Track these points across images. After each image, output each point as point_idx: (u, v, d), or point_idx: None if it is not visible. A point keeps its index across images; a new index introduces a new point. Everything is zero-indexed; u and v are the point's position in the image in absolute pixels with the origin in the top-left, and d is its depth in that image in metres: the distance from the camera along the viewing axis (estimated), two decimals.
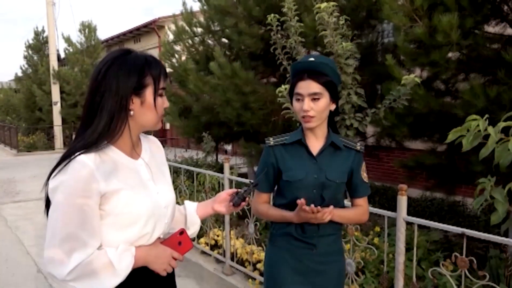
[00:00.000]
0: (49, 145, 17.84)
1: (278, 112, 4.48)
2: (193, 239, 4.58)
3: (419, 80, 3.42)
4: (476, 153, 2.15)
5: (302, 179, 1.84)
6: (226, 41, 6.92)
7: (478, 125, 2.13)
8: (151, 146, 1.60)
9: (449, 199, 5.81)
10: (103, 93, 1.36)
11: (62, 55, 19.04)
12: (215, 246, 4.60)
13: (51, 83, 17.58)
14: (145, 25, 19.27)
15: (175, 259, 1.47)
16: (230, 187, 4.07)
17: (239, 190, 1.71)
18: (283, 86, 3.73)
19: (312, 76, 1.78)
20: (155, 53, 15.01)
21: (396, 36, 3.94)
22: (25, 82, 20.96)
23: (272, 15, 4.05)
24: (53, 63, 17.66)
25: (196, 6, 7.55)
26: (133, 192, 1.38)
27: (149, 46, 19.26)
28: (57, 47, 18.18)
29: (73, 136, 1.52)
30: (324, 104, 1.80)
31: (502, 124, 2.10)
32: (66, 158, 1.32)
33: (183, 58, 7.65)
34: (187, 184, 5.43)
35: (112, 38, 21.90)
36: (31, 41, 20.68)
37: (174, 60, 7.72)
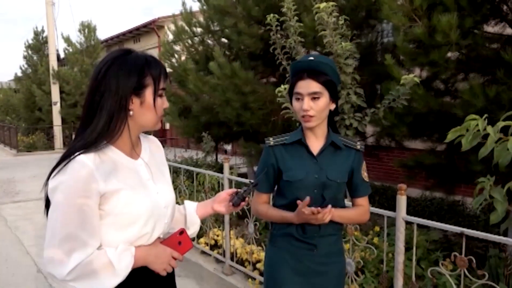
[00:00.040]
0: (49, 145, 17.84)
1: (277, 112, 4.48)
2: (193, 239, 4.58)
3: (418, 80, 3.42)
4: (476, 152, 2.15)
5: (303, 179, 1.83)
6: (226, 41, 6.92)
7: (477, 125, 2.13)
8: (151, 146, 1.60)
9: (448, 198, 5.81)
10: (103, 92, 1.36)
11: (62, 55, 19.05)
12: (215, 246, 4.60)
13: (51, 83, 17.58)
14: (145, 25, 19.27)
15: (175, 259, 1.47)
16: (230, 187, 4.07)
17: (239, 190, 1.71)
18: (282, 86, 3.73)
19: (311, 76, 1.78)
20: (154, 53, 15.00)
21: (395, 36, 3.94)
22: (25, 82, 20.96)
23: (272, 15, 4.06)
24: (53, 63, 17.66)
25: (195, 6, 7.57)
26: (132, 192, 1.38)
27: (149, 46, 19.26)
28: (57, 47, 18.22)
29: (73, 136, 1.52)
30: (324, 103, 1.80)
31: (501, 124, 2.10)
32: (66, 158, 1.33)
33: (183, 58, 7.65)
34: (186, 184, 5.43)
35: (111, 38, 21.89)
36: (30, 41, 20.69)
37: (173, 60, 7.72)
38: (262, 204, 1.99)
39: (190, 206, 1.75)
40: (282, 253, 1.92)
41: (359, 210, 1.95)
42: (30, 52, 20.86)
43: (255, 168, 4.87)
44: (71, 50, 17.65)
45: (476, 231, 2.30)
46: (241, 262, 4.15)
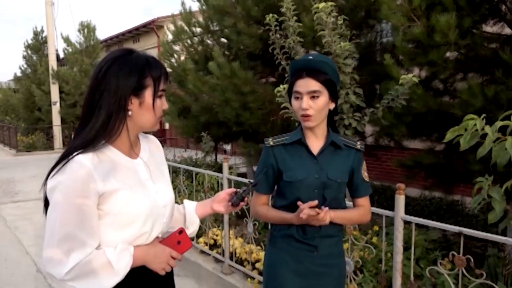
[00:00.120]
0: (48, 145, 17.83)
1: (277, 112, 4.49)
2: (192, 239, 4.58)
3: (417, 79, 3.43)
4: (474, 152, 2.15)
5: (303, 179, 1.82)
6: (225, 41, 6.92)
7: (475, 125, 2.14)
8: (150, 146, 1.60)
9: (447, 198, 5.82)
10: (103, 92, 1.36)
11: (61, 55, 19.04)
12: (214, 245, 4.61)
13: (50, 83, 17.58)
14: (144, 25, 19.27)
15: (174, 258, 1.47)
16: (229, 187, 4.08)
17: (238, 190, 1.71)
18: (281, 86, 3.74)
19: (311, 74, 1.77)
20: (154, 53, 15.01)
21: (394, 35, 3.95)
22: (24, 82, 20.94)
23: (271, 15, 4.07)
24: (52, 63, 17.66)
25: (195, 6, 7.58)
26: (131, 192, 1.39)
27: (148, 46, 19.26)
28: (56, 47, 18.21)
29: (73, 136, 1.52)
30: (323, 102, 1.79)
31: (499, 124, 2.11)
32: (64, 158, 1.33)
33: (182, 58, 7.64)
34: (186, 184, 5.43)
35: (111, 38, 21.89)
36: (30, 41, 20.67)
37: (173, 60, 7.72)
38: (262, 206, 1.98)
39: (189, 205, 1.75)
40: (282, 254, 1.91)
41: (360, 211, 1.94)
42: (29, 52, 20.84)
43: (255, 168, 4.87)
44: (70, 50, 17.64)
45: (474, 231, 2.31)
46: (240, 261, 4.15)
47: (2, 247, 5.49)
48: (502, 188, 2.21)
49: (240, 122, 5.87)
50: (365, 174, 1.94)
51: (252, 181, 1.77)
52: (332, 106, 1.86)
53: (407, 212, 2.63)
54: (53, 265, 1.29)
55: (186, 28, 7.55)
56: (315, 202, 1.70)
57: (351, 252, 3.06)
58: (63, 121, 17.85)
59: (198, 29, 7.44)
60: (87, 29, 17.61)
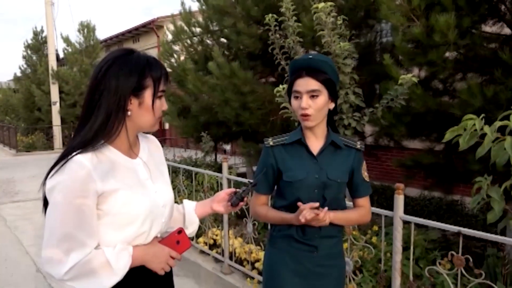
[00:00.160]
0: (48, 145, 17.84)
1: (276, 111, 4.49)
2: (192, 239, 4.59)
3: (416, 79, 3.43)
4: (473, 152, 2.15)
5: (303, 179, 1.82)
6: (225, 41, 6.92)
7: (474, 125, 2.14)
8: (150, 146, 1.60)
9: (447, 198, 5.82)
10: (102, 91, 1.36)
11: (61, 55, 19.04)
12: (213, 245, 4.61)
13: (50, 83, 17.58)
14: (144, 25, 19.26)
15: (173, 258, 1.47)
16: (229, 187, 4.08)
17: (238, 190, 1.71)
18: (281, 86, 3.74)
19: (310, 74, 1.76)
20: (154, 53, 15.00)
21: (394, 35, 3.95)
22: (24, 82, 20.94)
23: (270, 15, 4.07)
24: (52, 63, 17.66)
25: (194, 6, 7.59)
26: (130, 192, 1.39)
27: (148, 46, 19.25)
28: (56, 47, 18.21)
29: (72, 136, 1.51)
30: (323, 101, 1.78)
31: (498, 123, 2.11)
32: (63, 158, 1.33)
33: (182, 58, 7.65)
34: (185, 183, 5.44)
35: (111, 38, 21.89)
36: (30, 41, 20.67)
37: (172, 60, 7.72)
38: (261, 206, 1.97)
39: (189, 205, 1.75)
40: (282, 254, 1.90)
41: (360, 211, 1.93)
42: (29, 52, 20.84)
43: (254, 168, 4.87)
44: (70, 50, 17.65)
45: (473, 230, 2.31)
46: (240, 261, 4.15)
47: (2, 247, 5.49)
48: (501, 188, 2.22)
49: (239, 122, 5.87)
50: (365, 174, 1.93)
51: (251, 181, 1.77)
52: (331, 106, 1.85)
53: (406, 212, 2.63)
54: (52, 265, 1.29)
55: (185, 28, 7.55)
56: (317, 204, 1.70)
57: (350, 252, 3.06)
58: (63, 121, 17.86)
59: (198, 29, 7.44)
60: (87, 29, 17.61)
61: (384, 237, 2.88)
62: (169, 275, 1.56)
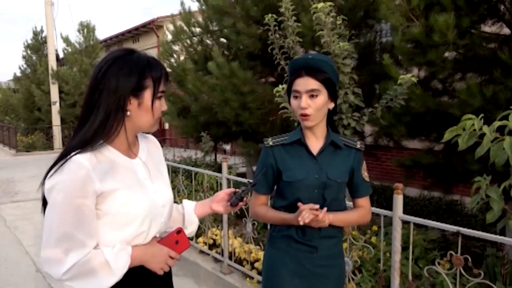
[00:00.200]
0: (48, 145, 17.83)
1: (276, 111, 4.49)
2: (191, 238, 4.59)
3: (416, 79, 3.43)
4: (472, 152, 2.15)
5: (303, 179, 1.81)
6: (225, 41, 6.92)
7: (473, 124, 2.14)
8: (149, 146, 1.60)
9: (446, 198, 5.83)
10: (102, 91, 1.36)
11: (61, 55, 19.04)
12: (213, 245, 4.61)
13: (50, 83, 17.58)
14: (144, 25, 19.26)
15: (172, 258, 1.47)
16: (228, 187, 4.08)
17: (237, 190, 1.71)
18: (280, 86, 3.74)
19: (310, 73, 1.76)
20: (153, 53, 15.00)
21: (393, 35, 3.95)
22: (24, 82, 20.94)
23: (270, 15, 4.07)
24: (52, 63, 17.66)
25: (194, 6, 7.59)
26: (130, 192, 1.39)
27: (148, 46, 19.25)
28: (56, 47, 18.21)
29: (71, 135, 1.50)
30: (322, 101, 1.77)
31: (497, 123, 2.11)
32: (62, 157, 1.33)
33: (182, 58, 7.65)
34: (185, 183, 5.44)
35: (110, 38, 21.89)
36: (29, 41, 20.67)
37: (172, 60, 7.73)
38: (261, 206, 1.96)
39: (188, 205, 1.75)
40: (282, 255, 1.90)
41: (359, 212, 1.92)
42: (29, 52, 20.84)
43: (254, 168, 4.88)
44: (70, 50, 17.65)
45: (472, 230, 2.31)
46: (239, 261, 4.16)
47: (2, 247, 5.49)
48: (500, 187, 2.22)
49: (239, 122, 5.87)
50: (365, 174, 1.93)
51: (251, 181, 1.77)
52: (331, 105, 1.84)
53: (406, 212, 2.63)
54: (51, 265, 1.29)
55: (185, 28, 7.55)
56: (317, 206, 1.70)
57: (349, 252, 3.07)
58: (62, 121, 17.86)
59: (198, 29, 7.45)
60: (86, 29, 17.61)
61: (383, 237, 2.88)
62: (168, 275, 1.56)
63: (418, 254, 3.65)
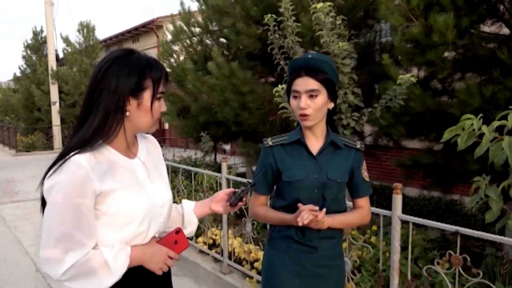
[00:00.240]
0: (48, 145, 17.83)
1: (275, 111, 4.49)
2: (191, 238, 4.60)
3: (415, 79, 3.44)
4: (472, 152, 2.15)
5: (303, 179, 1.80)
6: (224, 41, 6.92)
7: (472, 124, 2.15)
8: (148, 146, 1.60)
9: (446, 197, 5.83)
10: (101, 91, 1.35)
11: (61, 55, 19.04)
12: (213, 245, 4.62)
13: (50, 83, 17.58)
14: (144, 25, 19.26)
15: (171, 258, 1.47)
16: (228, 187, 4.08)
17: (236, 190, 1.71)
18: (280, 86, 3.74)
19: (309, 73, 1.75)
20: (153, 53, 15.01)
21: (393, 35, 3.96)
22: (24, 82, 20.95)
23: (269, 15, 4.07)
24: (52, 63, 17.66)
25: (194, 6, 7.59)
26: (129, 192, 1.39)
27: (148, 46, 19.26)
28: (56, 47, 18.21)
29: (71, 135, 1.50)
30: (322, 101, 1.76)
31: (496, 123, 2.11)
32: (61, 158, 1.33)
33: (181, 58, 7.65)
34: (185, 183, 5.44)
35: (110, 38, 21.89)
36: (29, 41, 20.66)
37: (172, 60, 7.73)
38: (260, 206, 1.96)
39: (188, 205, 1.75)
40: (281, 255, 1.89)
41: (359, 213, 1.91)
42: (29, 52, 20.84)
43: (254, 168, 4.88)
44: (70, 50, 17.65)
45: (470, 230, 2.32)
46: (239, 261, 4.16)
47: (1, 247, 5.50)
48: (499, 187, 2.22)
49: (239, 122, 5.88)
50: (365, 174, 1.92)
51: (250, 181, 1.77)
52: (331, 105, 1.83)
53: (406, 211, 2.63)
54: (50, 265, 1.29)
55: (185, 28, 7.56)
56: (317, 207, 1.69)
57: (349, 252, 3.07)
58: (62, 121, 17.86)
59: (197, 29, 7.45)
60: (86, 29, 17.61)
61: (383, 237, 2.89)
62: (167, 275, 1.56)
63: (417, 253, 3.66)
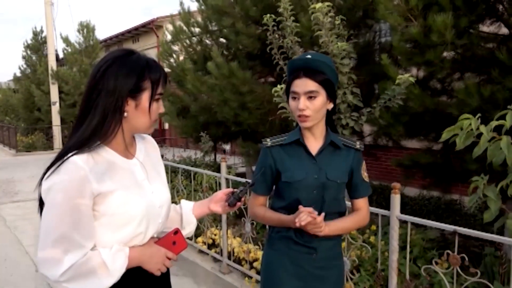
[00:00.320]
0: (48, 145, 17.85)
1: (275, 111, 4.49)
2: (190, 238, 4.60)
3: (414, 79, 3.44)
4: (471, 151, 2.16)
5: (302, 179, 1.79)
6: (224, 41, 6.92)
7: (470, 124, 2.15)
8: (146, 146, 1.60)
9: (446, 197, 5.84)
10: (100, 91, 1.35)
11: (61, 55, 19.05)
12: (212, 245, 4.62)
13: (50, 83, 17.59)
14: (144, 25, 19.27)
15: (169, 259, 1.47)
16: (227, 187, 4.09)
17: (235, 190, 1.71)
18: (279, 86, 3.74)
19: (308, 74, 1.73)
20: (153, 53, 15.03)
21: (392, 35, 3.96)
22: (24, 82, 20.96)
23: (268, 15, 4.07)
24: (52, 63, 17.67)
25: (193, 6, 7.60)
26: (127, 192, 1.39)
27: (148, 46, 19.26)
28: (56, 47, 18.23)
29: (69, 135, 1.50)
30: (320, 103, 1.75)
31: (494, 123, 2.12)
32: (60, 158, 1.33)
33: (181, 58, 7.66)
34: (184, 183, 5.45)
35: (110, 38, 21.90)
36: (29, 41, 20.69)
37: (172, 60, 7.74)
38: (259, 207, 1.95)
39: (186, 205, 1.75)
40: (281, 256, 1.88)
41: (357, 217, 1.89)
42: (29, 52, 20.86)
43: (254, 168, 4.88)
44: (70, 50, 17.66)
45: (469, 229, 2.32)
46: (238, 261, 4.17)
47: (1, 247, 5.50)
48: (497, 187, 2.23)
49: (238, 122, 5.88)
50: (364, 174, 1.90)
51: (249, 181, 1.77)
52: (330, 106, 1.82)
53: (406, 211, 2.64)
54: (48, 266, 1.29)
55: (185, 28, 7.56)
56: (316, 212, 1.69)
57: (348, 252, 3.07)
58: (62, 121, 17.86)
59: (197, 29, 7.45)
60: (86, 29, 17.61)
61: (382, 237, 2.89)
62: (165, 276, 1.56)
63: (417, 253, 3.66)
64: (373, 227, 4.25)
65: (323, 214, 1.70)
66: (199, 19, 7.35)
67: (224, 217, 4.20)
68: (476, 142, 2.17)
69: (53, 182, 1.31)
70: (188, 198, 4.89)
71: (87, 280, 1.30)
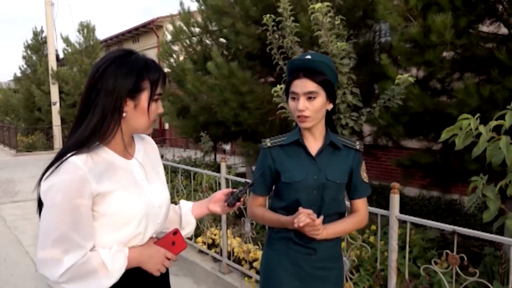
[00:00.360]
0: (48, 145, 17.86)
1: (275, 111, 4.50)
2: (190, 238, 4.61)
3: (413, 79, 3.44)
4: (470, 151, 2.16)
5: (302, 180, 1.78)
6: (224, 41, 6.92)
7: (469, 124, 2.15)
8: (145, 146, 1.60)
9: (445, 197, 5.84)
10: (99, 91, 1.35)
11: (61, 55, 19.06)
12: (212, 245, 4.62)
13: (50, 83, 17.60)
14: (144, 25, 19.26)
15: (168, 259, 1.47)
16: (227, 187, 4.09)
17: (234, 190, 1.71)
18: (278, 86, 3.75)
19: (308, 75, 1.73)
20: (153, 53, 15.03)
21: (392, 35, 3.96)
22: (24, 82, 20.97)
23: (268, 15, 4.07)
24: (52, 63, 17.68)
25: (193, 6, 7.60)
26: (126, 193, 1.39)
27: (148, 46, 19.26)
28: (56, 47, 18.24)
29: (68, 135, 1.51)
30: (320, 103, 1.75)
31: (493, 123, 2.12)
32: (58, 159, 1.33)
33: (181, 58, 7.66)
34: (184, 183, 5.45)
35: (111, 38, 21.90)
36: (30, 41, 20.70)
37: (172, 60, 7.74)
38: (258, 207, 1.95)
39: (186, 206, 1.75)
40: (280, 257, 1.87)
41: (355, 219, 1.88)
42: (29, 52, 20.87)
43: (254, 168, 4.89)
44: (70, 50, 17.66)
45: (468, 229, 2.32)
46: (238, 261, 4.17)
47: (1, 247, 5.50)
48: (497, 187, 2.23)
49: (238, 122, 5.88)
50: (364, 175, 1.90)
51: (249, 181, 1.77)
52: (329, 106, 1.82)
53: (405, 211, 2.64)
54: (47, 267, 1.29)
55: (185, 28, 7.56)
56: (315, 215, 1.69)
57: (347, 251, 3.08)
58: (63, 121, 17.87)
59: (197, 29, 7.45)
60: (86, 29, 17.62)
61: (381, 236, 2.89)
62: (165, 276, 1.56)
63: (416, 253, 3.66)
64: (373, 227, 4.25)
65: (322, 217, 1.70)
66: (199, 19, 7.35)
67: (224, 217, 4.20)
68: (476, 142, 2.17)
69: (52, 183, 1.31)
70: (188, 198, 4.89)
71: (87, 281, 1.30)
